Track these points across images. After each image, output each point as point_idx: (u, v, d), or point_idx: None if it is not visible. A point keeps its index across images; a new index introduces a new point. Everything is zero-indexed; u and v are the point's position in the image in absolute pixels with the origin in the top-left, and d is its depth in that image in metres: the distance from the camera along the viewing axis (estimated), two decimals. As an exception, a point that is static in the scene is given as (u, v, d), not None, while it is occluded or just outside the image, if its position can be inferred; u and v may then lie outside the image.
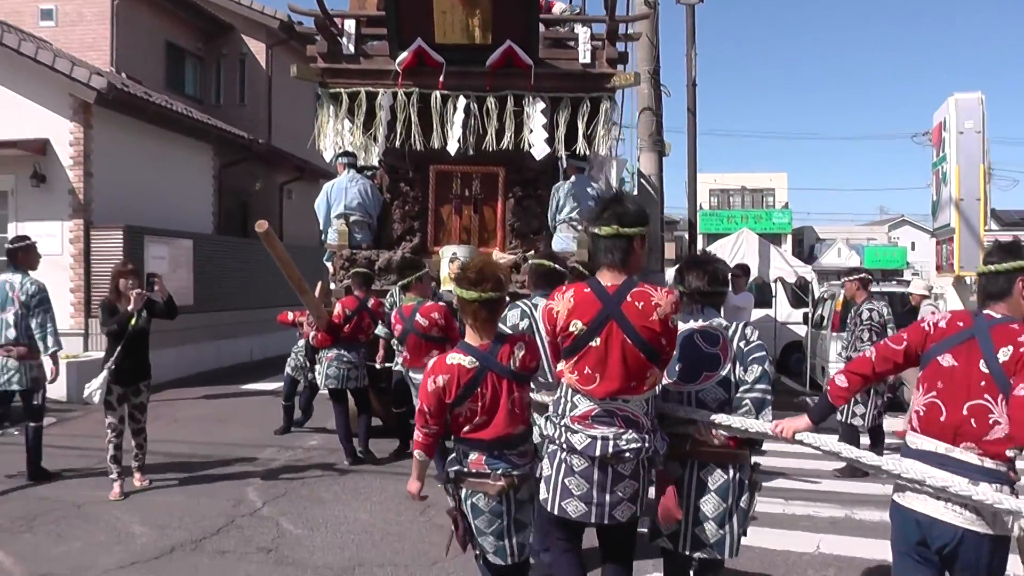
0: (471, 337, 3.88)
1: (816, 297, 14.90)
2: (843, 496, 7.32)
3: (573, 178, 9.22)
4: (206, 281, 15.40)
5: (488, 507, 3.84)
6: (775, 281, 15.21)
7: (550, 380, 4.76)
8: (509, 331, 4.27)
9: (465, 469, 3.85)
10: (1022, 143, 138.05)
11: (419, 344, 7.11)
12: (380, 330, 8.43)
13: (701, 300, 3.99)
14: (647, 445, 3.61)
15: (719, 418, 3.70)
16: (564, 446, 3.66)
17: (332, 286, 9.37)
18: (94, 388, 7.03)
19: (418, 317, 7.13)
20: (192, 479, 7.74)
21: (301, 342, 9.94)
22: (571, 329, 3.59)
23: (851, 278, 9.00)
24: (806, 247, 56.24)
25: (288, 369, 9.96)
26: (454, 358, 3.80)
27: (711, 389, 3.83)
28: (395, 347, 8.37)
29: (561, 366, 3.72)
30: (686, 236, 15.76)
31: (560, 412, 3.73)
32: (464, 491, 3.88)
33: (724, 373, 3.82)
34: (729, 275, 4.23)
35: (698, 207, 16.61)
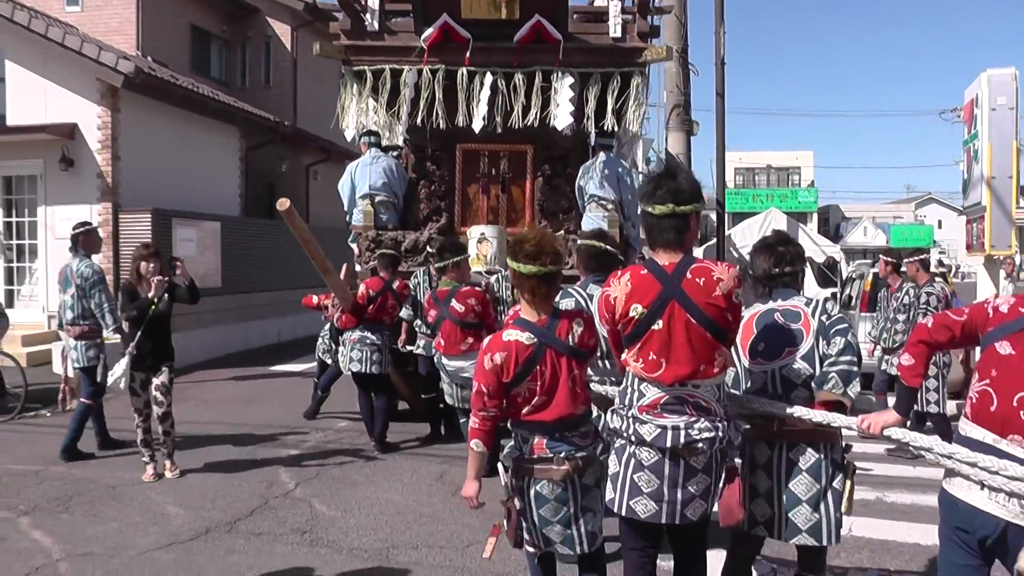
0: (527, 313, 3.72)
1: (844, 277, 14.78)
2: (875, 479, 7.26)
3: (602, 156, 9.03)
4: (233, 263, 15.48)
5: (553, 494, 3.65)
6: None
7: (606, 367, 4.68)
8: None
9: (526, 455, 3.67)
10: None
11: (454, 330, 7.00)
12: (404, 312, 8.36)
13: (768, 284, 3.93)
14: (720, 435, 3.41)
15: (799, 411, 3.59)
16: (633, 438, 3.46)
17: (357, 268, 9.21)
18: (117, 375, 7.04)
19: (454, 302, 7.02)
20: (223, 461, 7.78)
21: (327, 325, 9.78)
22: (631, 314, 3.39)
23: (912, 259, 8.66)
24: (832, 226, 55.99)
25: (319, 352, 9.90)
26: (511, 334, 3.63)
27: (794, 365, 3.73)
28: (418, 329, 8.35)
29: (624, 355, 3.52)
30: (712, 216, 15.64)
31: (627, 403, 3.52)
32: (525, 479, 3.68)
33: (807, 348, 3.72)
34: (800, 254, 4.07)
35: (725, 184, 16.46)
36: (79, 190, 13.36)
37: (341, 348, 8.55)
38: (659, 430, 3.38)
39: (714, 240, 14.54)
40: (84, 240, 8.04)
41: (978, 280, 14.16)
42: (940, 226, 57.76)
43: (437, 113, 8.66)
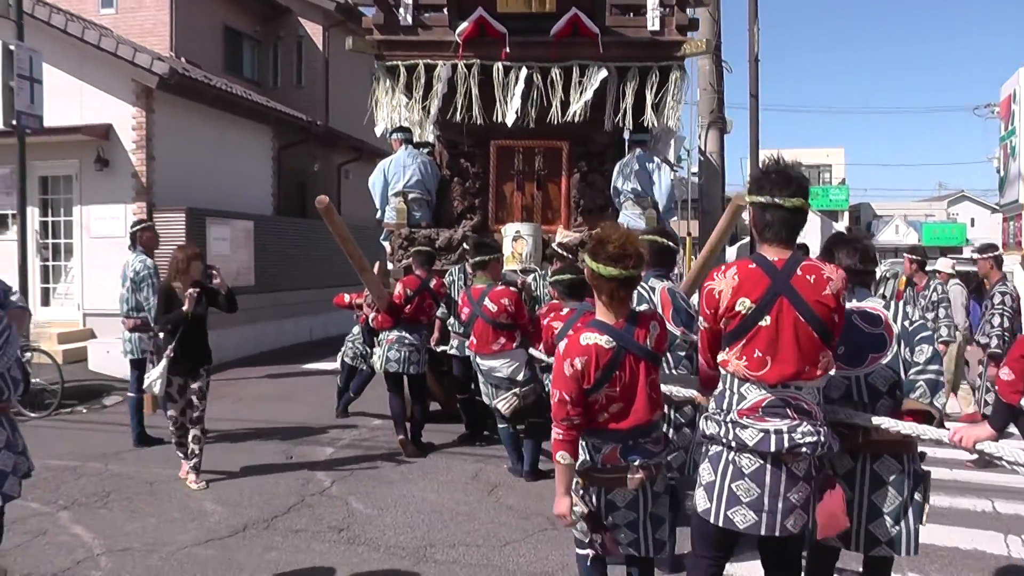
0: (604, 315, 3.55)
1: (878, 276, 14.61)
2: (946, 484, 7.00)
3: (637, 152, 8.87)
4: (266, 262, 15.58)
5: (625, 502, 3.53)
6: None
7: (672, 372, 4.66)
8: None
9: (598, 464, 3.52)
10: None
11: (486, 329, 6.96)
12: (439, 311, 8.30)
13: (852, 280, 3.71)
14: (823, 439, 3.27)
15: (888, 423, 3.43)
16: (733, 444, 3.29)
17: (390, 266, 9.10)
18: (154, 378, 6.89)
19: (487, 302, 6.94)
20: (260, 458, 7.82)
21: (357, 328, 9.61)
22: (738, 308, 3.25)
23: (984, 255, 8.35)
24: (863, 224, 55.45)
25: (347, 359, 9.61)
26: (589, 337, 3.46)
27: (880, 371, 3.58)
28: (451, 329, 8.32)
29: (724, 355, 3.36)
30: (744, 215, 15.54)
31: (725, 407, 3.35)
32: (598, 488, 3.55)
33: (891, 355, 3.58)
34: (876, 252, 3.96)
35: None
36: (114, 190, 13.47)
37: (376, 349, 8.29)
38: (762, 434, 3.24)
39: (747, 239, 14.45)
40: (142, 237, 8.37)
41: (1014, 279, 13.94)
42: (973, 224, 56.99)
43: (472, 109, 8.57)
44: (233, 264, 14.45)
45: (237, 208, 15.26)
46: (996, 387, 3.39)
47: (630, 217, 8.77)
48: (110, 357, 12.12)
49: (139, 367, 8.14)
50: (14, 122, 11.02)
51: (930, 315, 8.29)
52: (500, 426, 7.25)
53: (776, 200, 3.33)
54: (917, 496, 3.59)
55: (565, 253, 7.97)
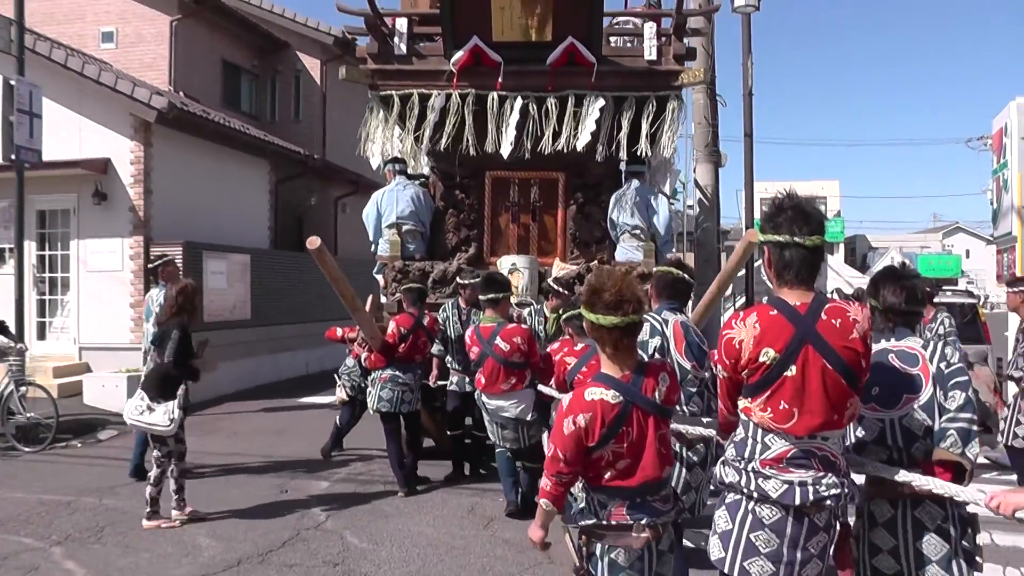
0: (608, 367, 3.35)
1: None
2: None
3: (635, 183, 8.82)
4: (263, 295, 15.58)
5: (629, 562, 3.31)
6: (833, 292, 15.01)
7: (683, 408, 4.52)
8: (644, 357, 3.72)
9: (603, 521, 3.30)
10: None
11: (497, 369, 6.74)
12: (435, 348, 8.16)
13: (896, 320, 3.57)
14: (846, 491, 3.12)
15: (915, 479, 3.22)
16: (755, 495, 3.11)
17: (383, 300, 8.94)
18: (177, 417, 6.72)
19: (499, 341, 6.73)
20: (255, 492, 7.79)
21: (350, 360, 9.33)
22: (761, 359, 3.05)
23: (1014, 289, 7.98)
24: (859, 256, 55.68)
25: (344, 393, 9.33)
26: (594, 393, 3.25)
27: (915, 415, 3.37)
28: (449, 365, 8.20)
29: (745, 403, 3.17)
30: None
31: (747, 455, 3.17)
32: (600, 547, 3.34)
33: (927, 397, 3.37)
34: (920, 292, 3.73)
35: (755, 214, 16.41)
36: (112, 224, 13.50)
37: (369, 388, 8.03)
38: (786, 486, 3.07)
39: (742, 272, 14.48)
40: (164, 271, 8.54)
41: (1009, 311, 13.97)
42: (968, 255, 57.27)
43: (467, 139, 8.50)
44: (230, 298, 14.47)
45: (234, 242, 15.29)
46: None
47: (628, 250, 8.72)
48: (105, 391, 12.10)
49: None
50: (13, 156, 11.05)
51: None
52: (498, 450, 7.09)
53: (796, 239, 3.12)
54: (965, 543, 3.36)
55: (561, 288, 7.83)
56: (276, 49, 21.47)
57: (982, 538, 3.39)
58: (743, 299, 13.35)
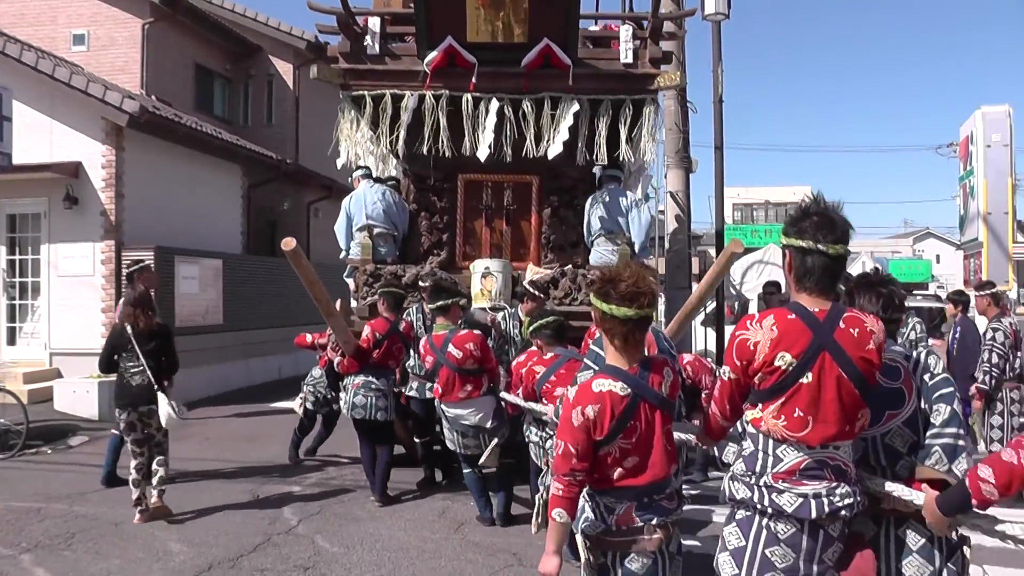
0: (616, 360, 3.26)
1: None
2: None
3: (609, 187, 8.79)
4: (235, 300, 15.55)
5: (644, 568, 3.19)
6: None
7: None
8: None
9: (612, 527, 3.18)
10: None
11: (452, 378, 6.69)
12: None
13: None
14: (859, 499, 3.04)
15: (902, 491, 3.11)
16: (768, 510, 3.02)
17: (353, 304, 8.74)
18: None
19: (451, 348, 6.67)
20: (226, 497, 7.78)
21: (317, 370, 9.17)
22: (777, 363, 2.98)
23: (981, 292, 8.33)
24: (831, 261, 56.00)
25: (308, 405, 9.20)
26: (602, 384, 3.16)
27: (898, 431, 3.25)
28: (411, 371, 8.05)
29: (755, 412, 3.08)
30: (711, 251, 15.71)
31: (758, 469, 3.07)
32: (611, 555, 3.22)
33: (910, 411, 3.24)
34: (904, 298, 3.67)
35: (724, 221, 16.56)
36: (83, 228, 13.43)
37: (343, 393, 7.94)
38: (801, 499, 2.98)
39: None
40: (140, 277, 8.42)
41: (975, 315, 14.21)
42: (938, 260, 57.75)
43: (440, 141, 8.38)
44: (202, 302, 14.43)
45: (206, 246, 15.25)
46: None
47: (603, 254, 8.64)
48: (76, 397, 12.04)
49: None
50: (-18, 160, 10.99)
51: (991, 357, 8.10)
52: (465, 471, 7.01)
53: (819, 246, 3.05)
54: (952, 565, 3.20)
55: (536, 292, 7.72)
56: (249, 53, 21.41)
57: (975, 571, 3.30)
58: (713, 304, 13.43)
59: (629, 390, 3.16)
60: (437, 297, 7.13)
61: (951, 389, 3.26)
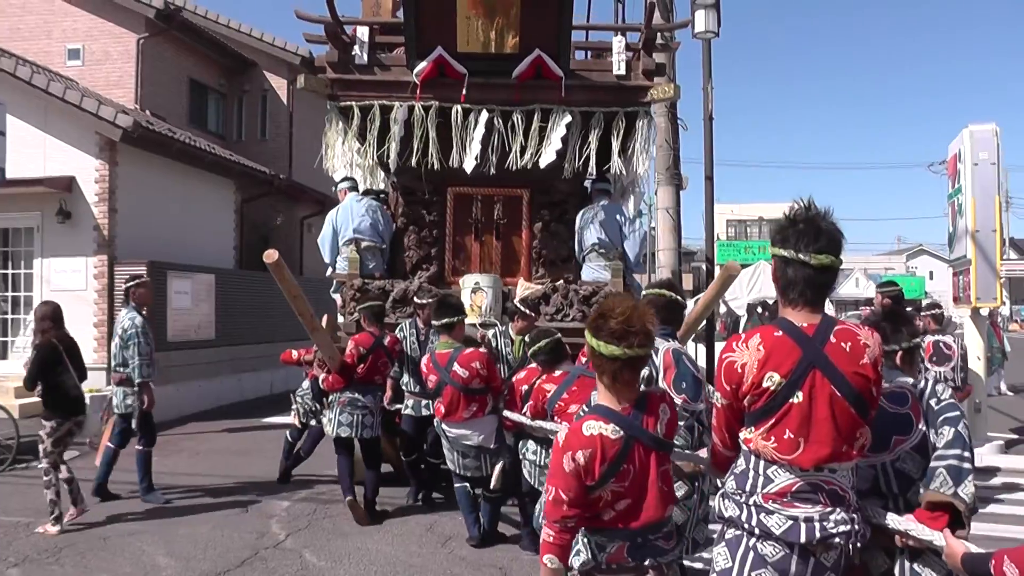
0: (607, 399, 3.11)
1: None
2: None
3: (602, 202, 8.68)
4: (227, 315, 15.57)
5: None
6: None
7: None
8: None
9: (602, 564, 3.08)
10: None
11: (456, 397, 6.50)
12: (393, 370, 7.89)
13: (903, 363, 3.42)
14: (857, 527, 2.88)
15: (899, 523, 3.03)
16: (756, 531, 2.87)
17: (340, 320, 8.64)
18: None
19: (456, 367, 6.48)
20: (215, 511, 7.80)
21: (306, 383, 9.01)
22: (765, 384, 2.83)
23: (926, 312, 8.71)
24: (824, 277, 56.23)
25: (299, 418, 9.04)
26: (593, 427, 3.01)
27: (908, 457, 3.17)
28: (405, 388, 7.91)
29: (747, 433, 2.93)
30: (703, 267, 15.79)
31: (748, 488, 2.93)
32: None
33: (918, 437, 3.17)
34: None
35: (715, 238, 16.65)
36: (76, 243, 13.47)
37: (327, 411, 7.78)
38: (790, 522, 2.82)
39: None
40: (135, 293, 8.38)
41: (965, 332, 14.27)
42: (931, 277, 58.05)
43: (430, 153, 8.26)
44: (194, 317, 14.46)
45: (199, 261, 15.28)
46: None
47: (595, 270, 8.57)
48: (67, 410, 12.01)
49: (125, 421, 8.26)
50: (-24, 175, 11.02)
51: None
52: (457, 486, 6.83)
53: (800, 256, 2.89)
54: None
55: (526, 309, 7.65)
56: (243, 68, 21.52)
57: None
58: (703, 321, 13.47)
59: (621, 432, 3.02)
60: (443, 315, 6.85)
61: (957, 413, 3.17)
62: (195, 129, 19.30)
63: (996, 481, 9.36)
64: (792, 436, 2.82)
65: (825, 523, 2.81)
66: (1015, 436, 11.70)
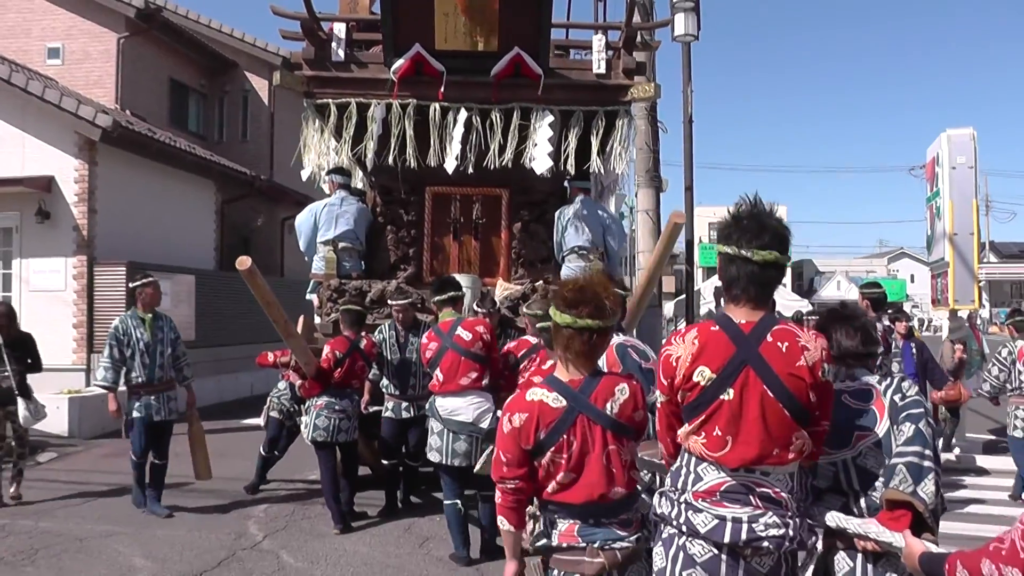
0: (560, 371, 3.16)
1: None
2: None
3: (580, 199, 8.54)
4: (207, 316, 15.52)
5: None
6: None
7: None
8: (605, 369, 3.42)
9: (553, 543, 3.07)
10: (1020, 175, 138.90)
11: (456, 363, 6.32)
12: (371, 373, 7.83)
13: (855, 364, 3.31)
14: (791, 533, 2.77)
15: (849, 523, 2.99)
16: (684, 528, 2.82)
17: (317, 321, 8.51)
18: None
19: (460, 331, 6.36)
20: (192, 513, 7.78)
21: (283, 384, 8.91)
22: (695, 379, 2.80)
23: (1009, 321, 8.59)
24: (806, 280, 56.50)
25: (273, 413, 8.92)
26: (535, 393, 3.08)
27: (871, 453, 3.10)
28: (385, 391, 7.79)
29: (683, 430, 2.89)
30: (684, 269, 15.81)
31: (680, 486, 2.89)
32: (555, 572, 3.09)
33: (882, 433, 3.10)
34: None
35: (696, 241, 16.69)
36: (55, 243, 13.40)
37: (304, 416, 7.73)
38: (716, 521, 2.77)
39: (683, 296, 14.74)
40: (141, 294, 8.10)
41: (943, 334, 14.40)
42: (913, 280, 58.47)
43: (407, 152, 8.11)
44: (174, 318, 14.29)
45: (179, 262, 15.23)
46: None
47: (574, 270, 8.34)
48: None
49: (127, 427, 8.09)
50: (-48, 174, 10.95)
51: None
52: (447, 503, 6.49)
53: (743, 252, 2.85)
54: None
55: (506, 312, 7.56)
56: (224, 69, 21.44)
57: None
58: (684, 323, 13.54)
59: (564, 402, 3.05)
60: (447, 289, 6.76)
61: (920, 410, 3.11)
62: (176, 129, 19.22)
63: (976, 480, 9.47)
64: (720, 434, 2.78)
65: (754, 524, 2.74)
66: (993, 437, 11.79)
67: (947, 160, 14.07)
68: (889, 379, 3.26)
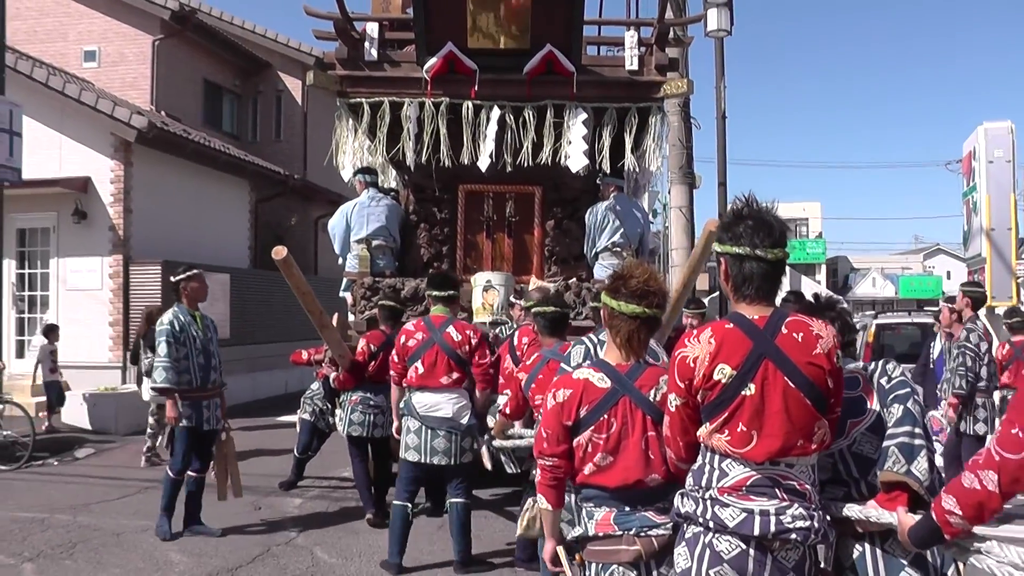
0: (611, 355, 3.23)
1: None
2: None
3: (614, 196, 8.51)
4: (242, 314, 15.68)
5: None
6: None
7: None
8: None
9: (589, 532, 3.09)
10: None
11: (440, 360, 6.06)
12: None
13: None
14: (816, 525, 2.75)
15: (872, 514, 2.93)
16: (711, 524, 2.77)
17: (351, 318, 8.48)
18: None
19: (451, 330, 6.14)
20: (228, 508, 7.81)
21: (316, 384, 8.87)
22: (716, 377, 2.77)
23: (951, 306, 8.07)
24: (840, 277, 56.06)
25: (304, 415, 8.80)
26: (583, 372, 3.18)
27: (865, 439, 3.10)
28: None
29: (704, 429, 2.86)
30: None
31: (704, 483, 2.84)
32: (591, 565, 3.10)
33: (873, 418, 3.12)
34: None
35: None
36: (91, 242, 13.60)
37: (339, 411, 7.67)
38: (744, 514, 2.73)
39: (718, 292, 14.65)
40: (185, 288, 7.49)
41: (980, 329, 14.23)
42: (949, 276, 57.64)
43: (441, 150, 8.17)
44: (210, 316, 14.50)
45: (214, 261, 15.32)
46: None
47: (607, 268, 8.26)
48: (83, 410, 12.12)
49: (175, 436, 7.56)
50: (-7, 175, 11.11)
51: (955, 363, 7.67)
52: (396, 503, 6.18)
53: (758, 252, 2.86)
54: (950, 573, 3.00)
55: (519, 300, 7.42)
56: (258, 69, 21.63)
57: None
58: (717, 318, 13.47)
59: (609, 383, 3.12)
60: (445, 286, 6.46)
61: (907, 390, 3.12)
62: (210, 130, 19.41)
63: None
64: (745, 429, 2.76)
65: (781, 517, 2.72)
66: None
67: (984, 154, 13.84)
68: (873, 364, 3.27)
